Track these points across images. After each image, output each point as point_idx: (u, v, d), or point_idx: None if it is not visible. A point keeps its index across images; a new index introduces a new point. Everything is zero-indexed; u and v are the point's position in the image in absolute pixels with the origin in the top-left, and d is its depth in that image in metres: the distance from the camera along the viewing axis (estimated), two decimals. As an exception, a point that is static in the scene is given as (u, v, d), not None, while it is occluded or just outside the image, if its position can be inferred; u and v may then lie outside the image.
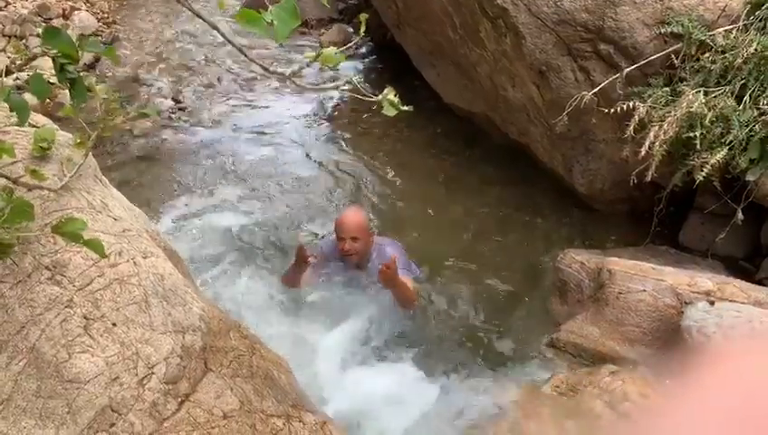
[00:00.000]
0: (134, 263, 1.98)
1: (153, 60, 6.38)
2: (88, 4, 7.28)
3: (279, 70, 1.59)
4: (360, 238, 3.19)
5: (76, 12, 6.90)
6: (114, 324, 1.85)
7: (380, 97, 1.47)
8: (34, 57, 1.42)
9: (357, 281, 3.30)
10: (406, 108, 1.50)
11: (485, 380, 2.90)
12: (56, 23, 6.66)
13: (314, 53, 1.44)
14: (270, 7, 1.47)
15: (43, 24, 6.43)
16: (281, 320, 3.16)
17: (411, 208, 4.30)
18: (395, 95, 1.47)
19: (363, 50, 6.68)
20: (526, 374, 2.91)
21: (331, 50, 1.51)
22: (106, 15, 7.28)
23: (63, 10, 6.86)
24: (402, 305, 3.18)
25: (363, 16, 1.54)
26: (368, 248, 3.27)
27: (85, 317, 1.82)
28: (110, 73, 5.92)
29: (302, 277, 3.30)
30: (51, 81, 1.43)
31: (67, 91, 1.55)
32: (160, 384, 1.89)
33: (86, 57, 5.74)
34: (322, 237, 3.85)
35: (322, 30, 7.12)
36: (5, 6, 6.61)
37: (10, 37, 6.04)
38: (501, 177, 4.49)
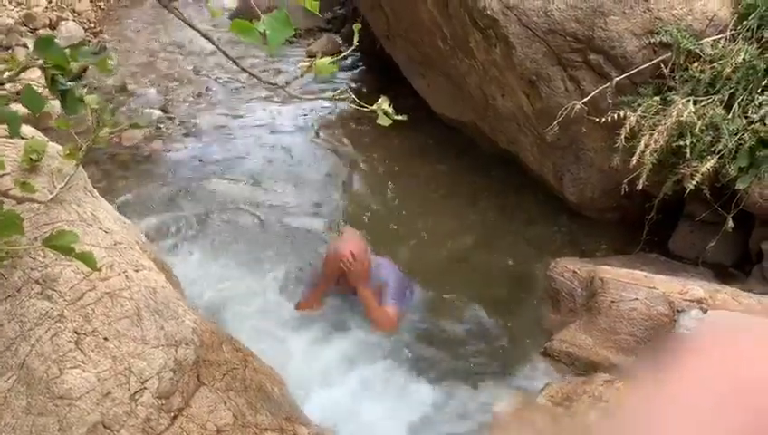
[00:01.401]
0: (126, 276, 1.95)
1: (141, 70, 6.35)
2: (75, 14, 7.24)
3: (272, 80, 1.58)
4: (354, 267, 3.18)
5: (63, 22, 6.86)
6: (106, 339, 1.82)
7: (375, 107, 1.46)
8: (26, 68, 1.40)
9: (354, 299, 3.30)
10: (399, 117, 1.49)
11: (479, 390, 2.89)
12: (42, 33, 6.62)
13: (307, 64, 1.43)
14: (263, 17, 1.47)
15: (30, 34, 6.39)
16: (276, 333, 3.13)
17: (402, 218, 4.29)
18: (389, 105, 1.47)
19: (351, 60, 6.69)
20: (520, 384, 2.90)
21: (325, 60, 1.51)
22: (93, 25, 7.25)
23: (50, 20, 6.82)
24: (374, 323, 3.20)
25: (357, 26, 1.54)
26: (366, 272, 3.24)
27: (76, 332, 1.79)
28: (97, 84, 5.88)
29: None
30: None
31: (55, 101, 1.54)
32: (153, 399, 1.86)
33: (74, 67, 5.70)
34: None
35: (311, 40, 7.13)
36: (-9, 17, 6.56)
37: (-5, 47, 5.99)
38: (491, 186, 4.50)
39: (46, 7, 7.07)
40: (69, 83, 1.34)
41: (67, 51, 1.38)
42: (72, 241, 1.45)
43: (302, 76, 1.48)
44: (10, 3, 6.96)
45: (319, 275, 3.37)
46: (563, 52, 3.41)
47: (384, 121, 1.49)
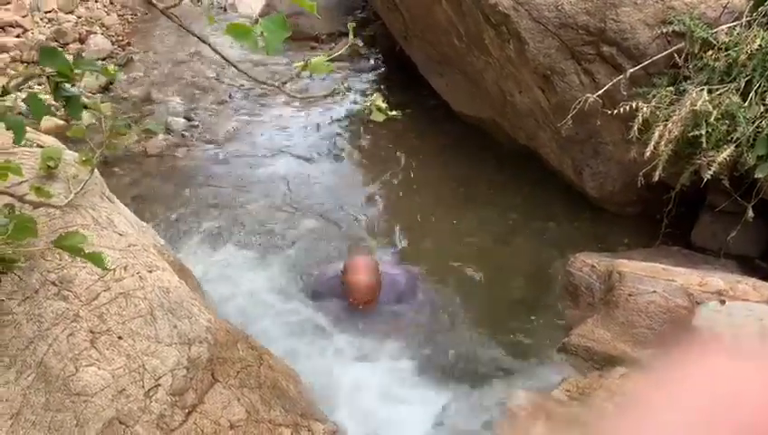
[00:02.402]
0: (139, 277, 2.01)
1: (166, 80, 6.48)
2: (103, 28, 7.44)
3: (274, 83, 1.62)
4: (374, 299, 3.24)
5: (92, 36, 7.05)
6: (120, 338, 1.88)
7: (368, 103, 1.49)
8: (31, 76, 1.46)
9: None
10: (394, 113, 1.52)
11: (497, 384, 2.89)
12: (73, 47, 6.82)
13: (302, 63, 1.47)
14: (260, 20, 1.51)
15: (60, 50, 6.58)
16: (292, 335, 3.18)
17: (423, 216, 4.31)
18: (383, 101, 1.49)
19: (372, 62, 6.73)
20: (538, 378, 2.89)
21: (320, 59, 1.54)
22: (121, 38, 7.43)
23: (80, 34, 7.02)
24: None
25: (351, 25, 1.57)
26: (378, 294, 3.28)
27: (91, 331, 1.86)
28: (125, 95, 6.03)
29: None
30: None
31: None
32: (167, 396, 1.92)
33: (101, 79, 5.86)
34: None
35: (332, 44, 7.19)
36: (23, 33, 6.79)
37: (27, 63, 6.19)
38: (511, 182, 4.48)
39: (76, 22, 7.28)
40: (72, 90, 1.40)
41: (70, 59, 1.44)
42: (80, 242, 1.51)
43: (297, 76, 1.51)
44: (42, 20, 7.19)
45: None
46: (576, 45, 3.40)
47: (378, 117, 1.52)
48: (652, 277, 2.90)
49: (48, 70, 1.43)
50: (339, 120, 5.65)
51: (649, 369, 2.32)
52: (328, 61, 1.57)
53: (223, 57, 1.47)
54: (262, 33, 1.50)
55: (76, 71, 1.38)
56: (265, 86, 2.06)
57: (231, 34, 1.49)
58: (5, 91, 1.30)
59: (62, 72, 1.41)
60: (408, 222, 4.29)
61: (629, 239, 3.93)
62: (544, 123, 4.05)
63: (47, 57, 1.41)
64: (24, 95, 1.37)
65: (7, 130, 1.30)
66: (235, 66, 1.48)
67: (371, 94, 1.72)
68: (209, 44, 1.44)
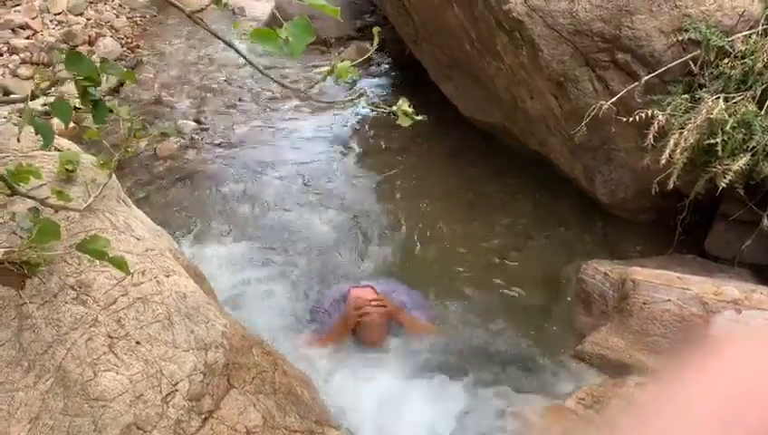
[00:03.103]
0: (157, 282, 2.01)
1: (176, 82, 6.50)
2: (113, 31, 7.46)
3: (295, 86, 1.61)
4: (383, 328, 3.15)
5: (101, 38, 7.07)
6: (138, 343, 1.88)
7: (395, 108, 1.48)
8: (57, 81, 1.46)
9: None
10: (420, 117, 1.51)
11: (509, 392, 2.88)
12: (82, 49, 6.83)
13: (327, 68, 1.46)
14: (284, 24, 1.50)
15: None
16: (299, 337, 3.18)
17: (431, 221, 4.30)
18: (409, 106, 1.49)
19: (381, 66, 6.74)
20: (550, 387, 2.88)
21: (345, 63, 1.54)
22: (130, 41, 7.45)
23: (89, 37, 7.03)
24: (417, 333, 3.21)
25: (376, 29, 1.56)
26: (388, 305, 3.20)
27: (110, 336, 1.85)
28: (134, 97, 6.05)
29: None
30: (76, 105, 1.46)
31: (91, 115, 1.59)
32: (184, 401, 1.91)
33: (111, 81, 5.88)
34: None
35: (341, 48, 7.20)
36: (33, 35, 6.81)
37: (38, 64, 6.20)
38: (522, 188, 4.48)
39: (86, 24, 7.30)
40: (98, 95, 1.40)
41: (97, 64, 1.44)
42: (104, 246, 1.51)
43: (323, 81, 1.51)
44: (51, 21, 7.21)
45: (334, 321, 3.27)
46: (590, 52, 3.39)
47: (404, 122, 1.51)
48: (667, 286, 2.89)
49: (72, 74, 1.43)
50: (347, 125, 5.65)
51: (663, 378, 2.30)
52: (352, 66, 1.56)
53: (251, 63, 1.47)
54: (287, 38, 1.50)
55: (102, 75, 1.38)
56: (290, 91, 2.05)
57: (256, 39, 1.49)
58: (34, 96, 1.30)
59: (89, 75, 1.40)
60: (417, 227, 4.28)
61: (641, 247, 3.92)
62: (556, 129, 4.04)
63: (73, 61, 1.41)
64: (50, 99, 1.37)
65: (36, 134, 1.30)
66: (262, 72, 1.47)
67: (385, 99, 1.72)
68: (236, 49, 1.44)
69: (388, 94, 6.06)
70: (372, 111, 1.76)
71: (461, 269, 3.82)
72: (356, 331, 3.16)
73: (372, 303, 3.09)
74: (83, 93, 1.39)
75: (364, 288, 3.27)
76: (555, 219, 4.21)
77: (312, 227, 4.31)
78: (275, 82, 1.46)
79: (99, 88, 1.48)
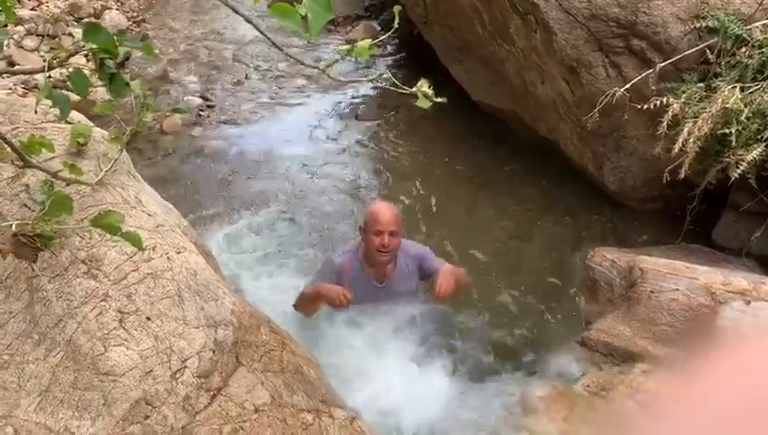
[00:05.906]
0: (168, 258, 2.00)
1: (182, 58, 6.44)
2: (118, 3, 7.39)
3: (318, 66, 1.59)
4: (398, 233, 2.98)
5: (107, 11, 7.00)
6: (148, 318, 1.87)
7: (415, 89, 1.46)
8: (75, 53, 1.44)
9: (386, 291, 3.18)
10: (439, 99, 1.49)
11: (515, 379, 2.88)
12: (87, 21, 6.76)
13: (347, 47, 1.44)
14: (304, 0, 1.48)
15: (75, 24, 6.54)
16: (308, 320, 3.16)
17: (439, 207, 4.29)
18: (429, 87, 1.46)
19: (390, 47, 6.68)
20: (557, 373, 2.88)
21: (365, 42, 1.51)
22: (135, 14, 7.38)
23: (95, 9, 6.97)
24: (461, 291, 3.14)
25: (397, 8, 1.54)
26: (398, 248, 3.07)
27: (120, 311, 1.84)
28: (138, 71, 6.00)
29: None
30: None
31: (100, 88, 1.57)
32: (193, 378, 1.90)
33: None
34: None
35: (349, 27, 7.14)
36: (38, 6, 6.74)
37: (43, 36, 6.15)
38: (529, 174, 4.45)
39: (91, -4, 7.23)
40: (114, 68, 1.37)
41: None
42: (118, 221, 1.49)
43: (342, 58, 1.49)
44: (57, -7, 7.13)
45: (350, 252, 3.17)
46: (605, 37, 3.35)
47: (423, 103, 1.49)
48: (674, 275, 2.87)
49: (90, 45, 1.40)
50: (354, 105, 5.61)
51: (674, 367, 2.31)
52: (372, 45, 1.54)
53: (272, 41, 1.44)
54: (305, 15, 1.48)
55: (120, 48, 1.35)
56: (310, 68, 2.03)
57: (276, 14, 1.47)
58: (50, 67, 1.28)
59: (106, 48, 1.38)
60: (423, 210, 4.27)
61: (648, 235, 3.91)
62: (566, 115, 4.01)
63: (91, 32, 1.38)
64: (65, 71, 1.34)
65: (53, 106, 1.27)
66: (281, 50, 1.45)
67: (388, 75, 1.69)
68: (257, 26, 1.41)
69: (395, 75, 5.97)
70: (382, 90, 1.74)
71: (467, 254, 3.81)
72: (372, 263, 3.07)
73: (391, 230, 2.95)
74: (100, 66, 1.36)
75: (387, 206, 3.07)
76: (562, 206, 4.19)
77: (316, 205, 4.30)
78: (298, 61, 1.44)
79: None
